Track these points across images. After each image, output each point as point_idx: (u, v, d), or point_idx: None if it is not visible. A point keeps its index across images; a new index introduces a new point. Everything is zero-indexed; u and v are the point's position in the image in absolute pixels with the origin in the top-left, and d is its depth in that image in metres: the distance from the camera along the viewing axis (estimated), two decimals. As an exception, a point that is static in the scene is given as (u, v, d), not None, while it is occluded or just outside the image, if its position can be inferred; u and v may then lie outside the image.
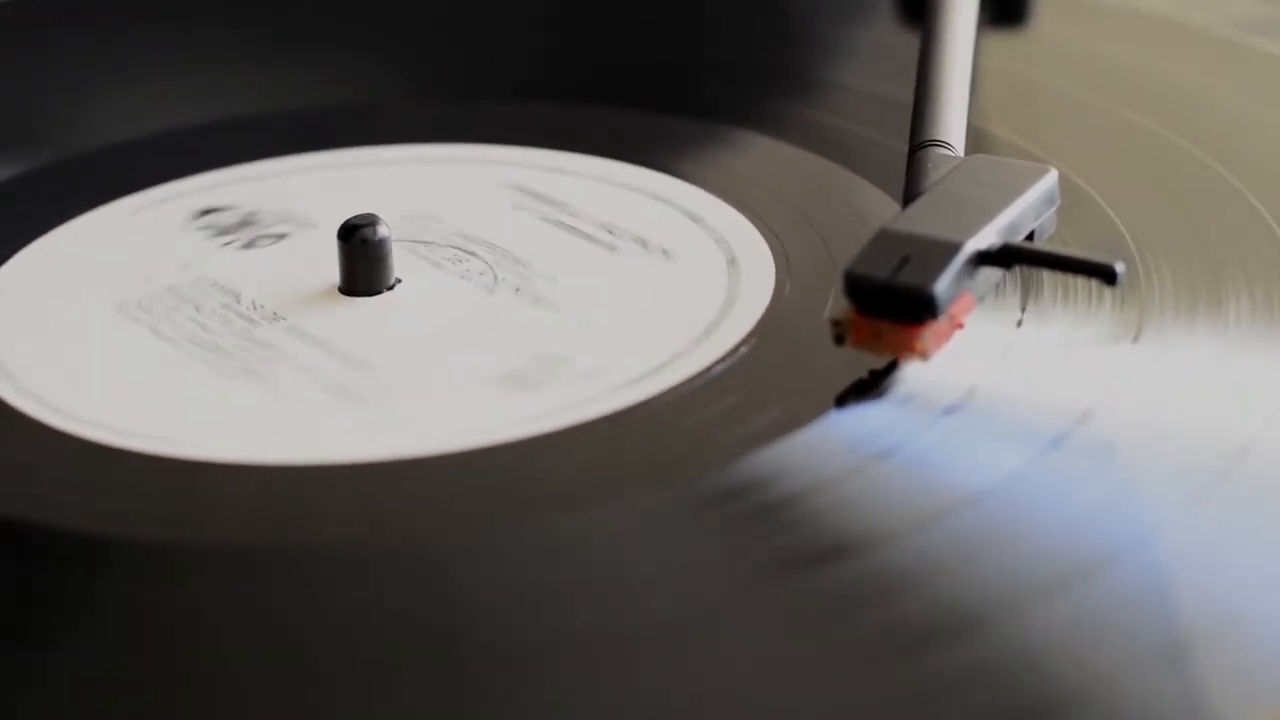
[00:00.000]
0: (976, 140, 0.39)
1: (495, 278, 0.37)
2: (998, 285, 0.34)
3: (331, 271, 0.37)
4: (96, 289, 0.37)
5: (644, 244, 0.38)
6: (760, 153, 0.41)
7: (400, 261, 0.37)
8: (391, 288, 0.37)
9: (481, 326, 0.35)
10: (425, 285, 0.37)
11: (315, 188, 0.41)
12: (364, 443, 0.32)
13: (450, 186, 0.41)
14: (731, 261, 0.37)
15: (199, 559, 0.30)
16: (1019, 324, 0.34)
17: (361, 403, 0.33)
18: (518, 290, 0.37)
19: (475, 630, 0.28)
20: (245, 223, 0.40)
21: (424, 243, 0.38)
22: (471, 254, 0.38)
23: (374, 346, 0.35)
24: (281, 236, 0.39)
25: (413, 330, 0.35)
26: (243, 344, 0.35)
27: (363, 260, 0.36)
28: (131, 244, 0.39)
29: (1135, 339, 0.34)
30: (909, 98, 0.39)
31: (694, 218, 0.39)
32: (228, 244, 0.39)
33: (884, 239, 0.32)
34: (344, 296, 0.37)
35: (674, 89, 0.45)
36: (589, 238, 0.38)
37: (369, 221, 0.36)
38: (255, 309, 0.36)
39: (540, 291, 0.36)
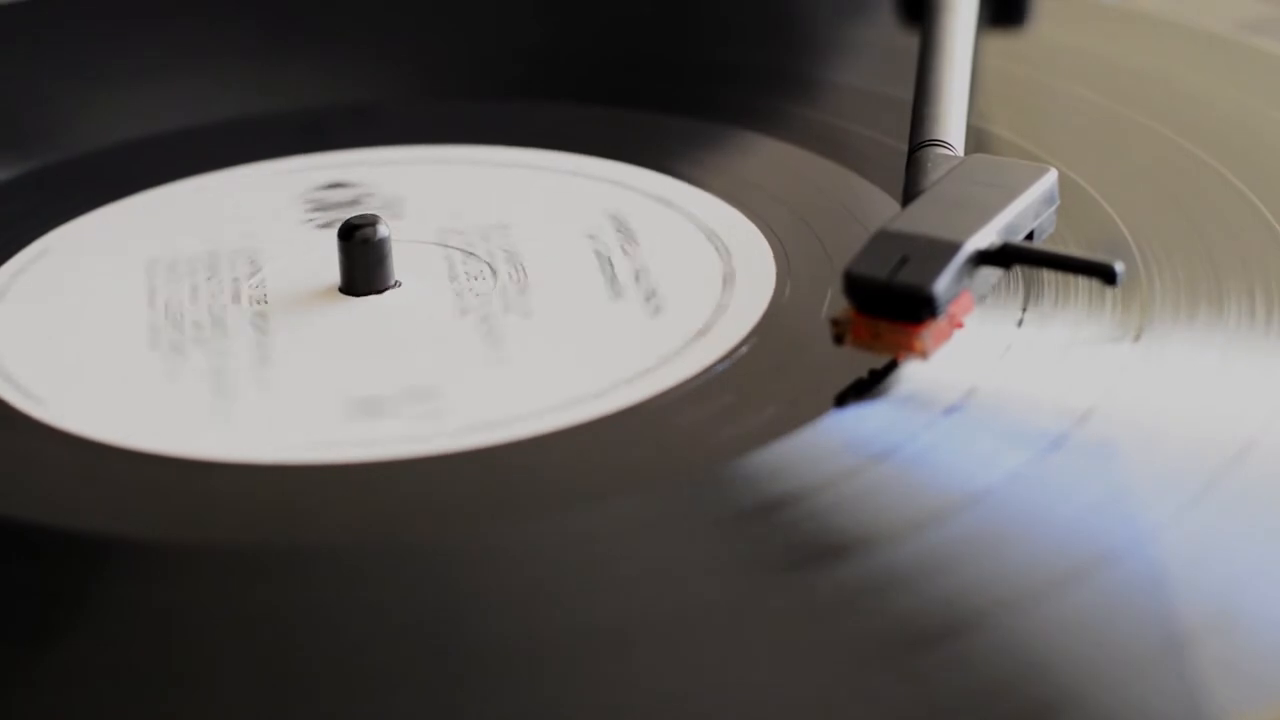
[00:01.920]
0: (976, 140, 0.39)
1: (494, 278, 0.37)
2: (997, 285, 0.34)
3: (332, 272, 0.37)
4: (96, 288, 0.37)
5: (643, 245, 0.38)
6: (760, 152, 0.41)
7: (402, 262, 0.37)
8: (391, 288, 0.37)
9: (480, 326, 0.35)
10: (425, 286, 0.37)
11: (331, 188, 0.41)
12: (364, 443, 0.32)
13: (446, 187, 0.41)
14: (730, 261, 0.37)
15: (199, 559, 0.30)
16: (1019, 324, 0.34)
17: (361, 403, 0.33)
18: (516, 290, 0.37)
19: (474, 631, 0.28)
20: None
21: (423, 243, 0.38)
22: (471, 254, 0.38)
23: (373, 347, 0.35)
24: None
25: (412, 331, 0.35)
26: (243, 343, 0.35)
27: (363, 260, 0.37)
28: (131, 243, 0.39)
29: (1136, 339, 0.34)
30: (909, 97, 0.39)
31: (693, 217, 0.39)
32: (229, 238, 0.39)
33: (883, 238, 0.32)
34: (344, 296, 0.37)
35: (673, 88, 0.45)
36: (587, 238, 0.38)
37: (369, 221, 0.36)
38: (254, 307, 0.36)
39: (539, 290, 0.37)
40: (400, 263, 0.37)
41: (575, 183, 0.41)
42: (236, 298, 0.37)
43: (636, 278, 0.37)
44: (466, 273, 0.37)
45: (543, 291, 0.36)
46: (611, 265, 0.37)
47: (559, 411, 0.32)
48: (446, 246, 0.38)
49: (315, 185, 0.41)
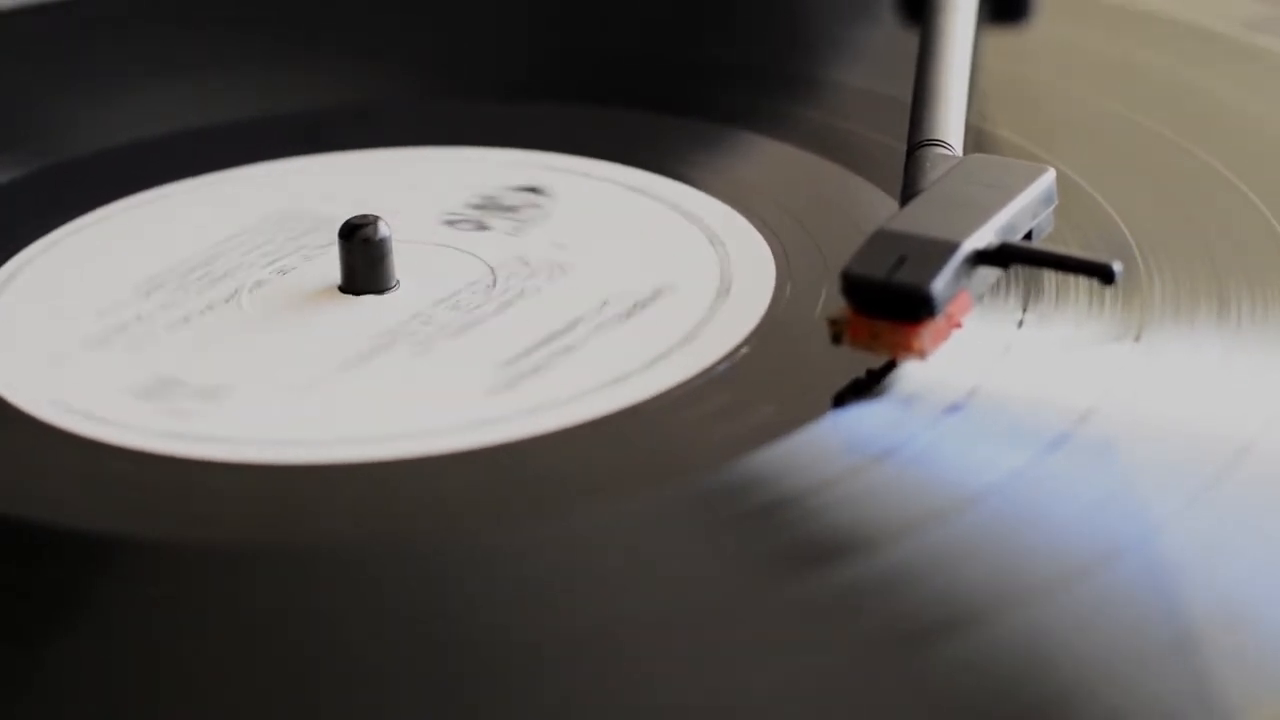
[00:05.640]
0: (975, 139, 0.39)
1: (495, 278, 0.37)
2: (995, 285, 0.34)
3: (332, 271, 0.37)
4: (96, 288, 0.37)
5: (642, 245, 0.38)
6: (758, 152, 0.41)
7: (402, 262, 0.37)
8: (392, 288, 0.37)
9: (481, 326, 0.35)
10: (425, 286, 0.37)
11: (324, 188, 0.41)
12: (365, 442, 0.32)
13: (448, 187, 0.41)
14: (730, 262, 0.37)
15: (199, 559, 0.30)
16: (1020, 324, 0.34)
17: (362, 403, 0.33)
18: (518, 291, 0.37)
19: (474, 630, 0.28)
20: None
21: (423, 244, 0.38)
22: (472, 254, 0.38)
23: (373, 346, 0.35)
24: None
25: (412, 330, 0.35)
26: (243, 344, 0.35)
27: (363, 259, 0.37)
28: (132, 243, 0.39)
29: (1136, 338, 0.34)
30: (909, 97, 0.39)
31: (693, 218, 0.39)
32: (229, 237, 0.39)
33: (881, 238, 0.32)
34: (344, 295, 0.37)
35: (671, 89, 0.45)
36: (588, 239, 0.38)
37: (370, 221, 0.37)
38: (253, 304, 0.36)
39: (541, 292, 0.37)
40: (401, 263, 0.37)
41: (573, 184, 0.41)
42: (235, 299, 0.37)
43: (636, 278, 0.37)
44: (466, 273, 0.37)
45: (541, 291, 0.37)
46: (610, 266, 0.37)
47: (558, 410, 0.32)
48: (446, 247, 0.38)
49: (313, 188, 0.41)
